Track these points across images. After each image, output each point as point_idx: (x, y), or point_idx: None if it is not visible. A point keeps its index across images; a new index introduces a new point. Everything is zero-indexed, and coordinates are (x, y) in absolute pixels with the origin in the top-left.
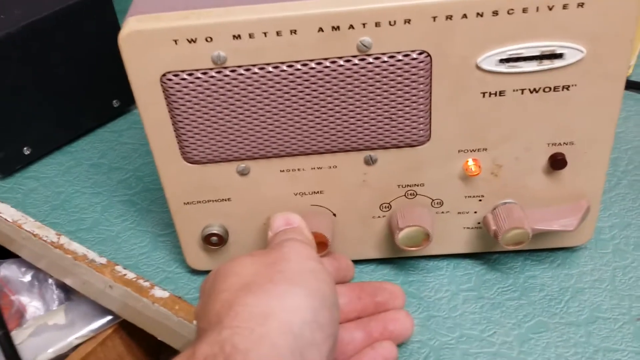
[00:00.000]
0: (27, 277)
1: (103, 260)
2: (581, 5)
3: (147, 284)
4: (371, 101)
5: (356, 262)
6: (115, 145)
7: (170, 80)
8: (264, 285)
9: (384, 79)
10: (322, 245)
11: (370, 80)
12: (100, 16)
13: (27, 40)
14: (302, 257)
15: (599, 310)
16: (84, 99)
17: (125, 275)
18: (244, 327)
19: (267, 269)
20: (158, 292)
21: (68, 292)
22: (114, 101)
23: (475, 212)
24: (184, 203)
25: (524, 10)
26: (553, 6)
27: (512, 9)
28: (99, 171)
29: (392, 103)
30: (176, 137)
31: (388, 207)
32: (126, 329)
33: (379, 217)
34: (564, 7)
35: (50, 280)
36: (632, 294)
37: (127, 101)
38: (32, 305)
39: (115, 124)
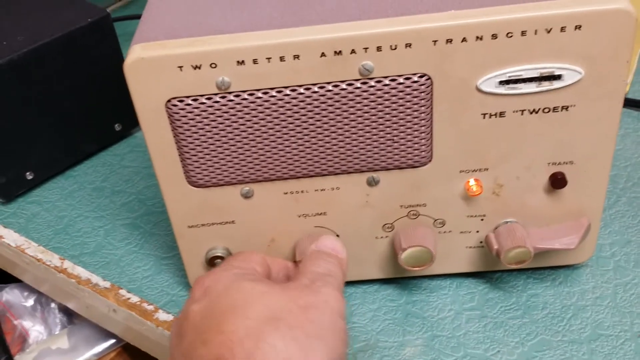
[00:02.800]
0: (30, 302)
1: (107, 284)
2: (579, 27)
3: (151, 307)
4: (373, 123)
5: (359, 282)
6: (117, 168)
7: (175, 105)
8: (293, 330)
9: (386, 102)
10: None
11: (373, 103)
12: (102, 41)
13: (29, 65)
14: (334, 311)
15: (601, 328)
16: (86, 123)
17: (129, 299)
18: None
19: (299, 312)
20: (162, 316)
21: (71, 316)
22: (116, 125)
23: (478, 232)
24: (188, 226)
25: (523, 33)
26: (551, 29)
27: (511, 32)
28: (101, 195)
29: (394, 125)
30: (181, 161)
31: (391, 227)
32: (129, 352)
33: (382, 237)
34: (562, 29)
35: (52, 305)
36: (633, 311)
37: (129, 125)
38: (35, 329)
39: (117, 148)
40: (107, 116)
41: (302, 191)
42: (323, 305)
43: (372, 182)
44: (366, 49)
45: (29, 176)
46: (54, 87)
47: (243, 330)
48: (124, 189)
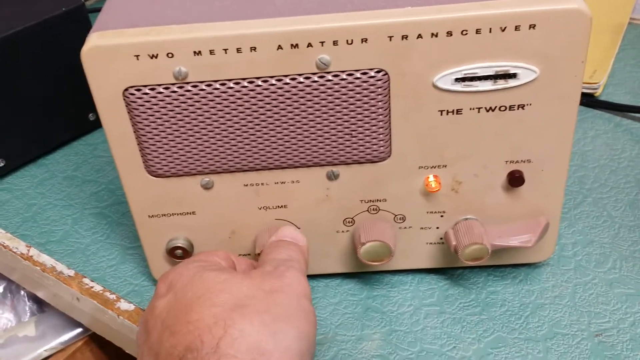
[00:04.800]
0: (0, 289)
1: (71, 273)
2: (533, 26)
3: (113, 296)
4: (331, 117)
5: (321, 276)
6: (89, 158)
7: (132, 94)
8: (261, 315)
9: (344, 96)
10: None
11: (330, 97)
12: (77, 31)
13: (3, 53)
14: (300, 294)
15: (558, 326)
16: (60, 112)
17: (92, 287)
18: (240, 358)
19: (264, 297)
20: (124, 305)
21: (41, 304)
22: (90, 114)
23: (438, 228)
24: (149, 216)
25: (477, 31)
26: (505, 27)
27: (466, 30)
28: (72, 184)
29: (352, 120)
30: (140, 150)
31: (351, 221)
32: (96, 341)
33: (342, 231)
34: (516, 28)
35: (22, 292)
36: (591, 311)
37: None
38: (4, 317)
39: (91, 137)
40: (80, 106)
41: (262, 183)
42: (287, 288)
43: (331, 176)
44: (322, 42)
45: (1, 163)
46: (27, 76)
47: (210, 317)
48: (94, 178)
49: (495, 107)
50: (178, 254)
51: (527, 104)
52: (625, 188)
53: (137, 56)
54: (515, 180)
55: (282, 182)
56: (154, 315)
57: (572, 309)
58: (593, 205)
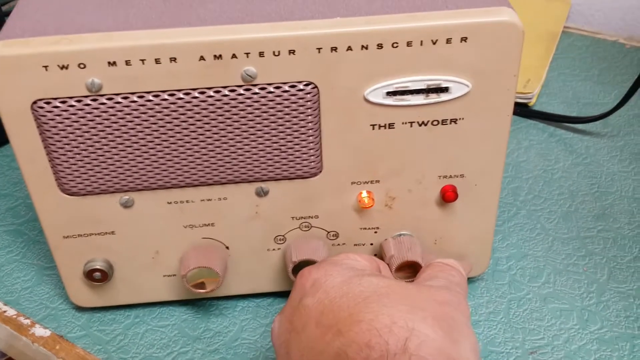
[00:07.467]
0: None
1: None
2: (464, 39)
3: (27, 321)
4: (259, 132)
5: (252, 295)
6: (5, 170)
7: (41, 108)
8: (439, 321)
9: (271, 110)
10: (214, 281)
11: (257, 111)
12: None
13: None
14: (467, 317)
15: (493, 344)
16: None
17: (5, 312)
18: None
19: (438, 306)
20: (39, 331)
21: None
22: None
23: (372, 244)
24: (64, 237)
25: (409, 44)
26: (437, 40)
27: (397, 43)
28: None
29: (281, 134)
30: (51, 167)
31: (283, 239)
32: None
33: (274, 249)
34: (448, 41)
35: None
36: (525, 327)
37: None
38: None
39: (7, 148)
40: None
41: (187, 201)
42: (458, 306)
43: (261, 193)
44: (248, 54)
45: None
46: None
47: (386, 317)
48: (11, 192)
49: (428, 121)
50: (96, 276)
51: (460, 118)
52: (559, 200)
53: (46, 67)
54: (448, 195)
55: (208, 200)
56: (302, 313)
57: (506, 326)
58: (527, 217)
